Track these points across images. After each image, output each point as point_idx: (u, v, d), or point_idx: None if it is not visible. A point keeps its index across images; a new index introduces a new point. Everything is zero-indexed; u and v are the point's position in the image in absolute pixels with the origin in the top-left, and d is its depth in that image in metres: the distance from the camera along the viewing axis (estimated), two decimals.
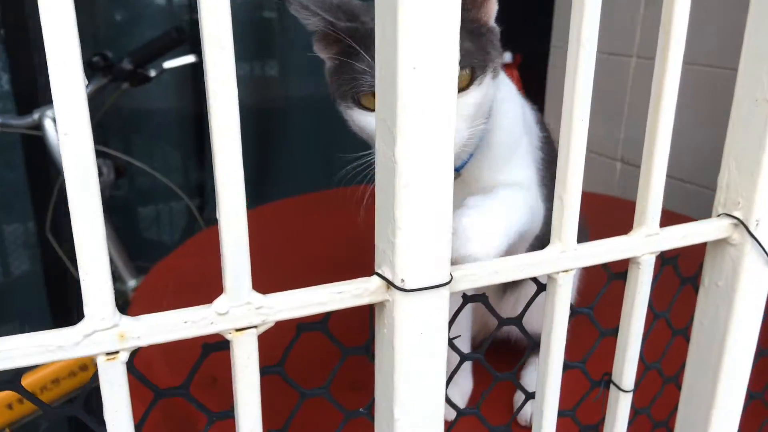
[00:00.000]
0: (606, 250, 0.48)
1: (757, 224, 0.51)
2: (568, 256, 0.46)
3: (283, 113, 2.13)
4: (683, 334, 0.58)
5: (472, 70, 0.61)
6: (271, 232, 1.36)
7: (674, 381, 0.60)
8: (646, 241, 0.49)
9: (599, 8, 0.42)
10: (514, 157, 0.71)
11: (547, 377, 0.50)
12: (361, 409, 0.46)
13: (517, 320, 0.50)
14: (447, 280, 0.41)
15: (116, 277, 1.60)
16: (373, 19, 0.42)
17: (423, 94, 0.36)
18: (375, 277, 0.41)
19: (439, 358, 0.43)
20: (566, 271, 0.47)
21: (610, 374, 0.54)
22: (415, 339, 0.41)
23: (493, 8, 0.65)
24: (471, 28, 0.62)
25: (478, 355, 0.50)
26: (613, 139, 1.90)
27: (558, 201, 0.45)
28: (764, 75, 0.49)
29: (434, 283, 0.41)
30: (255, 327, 0.38)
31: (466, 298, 0.48)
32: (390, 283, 0.40)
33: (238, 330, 0.38)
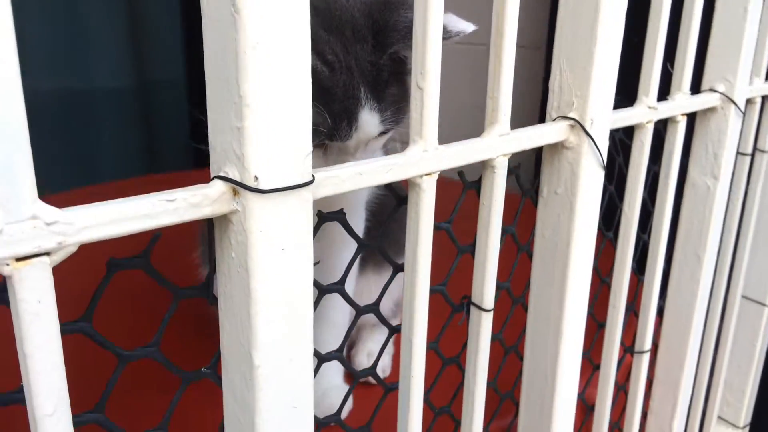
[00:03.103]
0: (466, 150, 0.43)
1: (591, 123, 0.50)
2: (431, 156, 0.40)
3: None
4: (526, 250, 0.56)
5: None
6: None
7: (521, 301, 0.58)
8: (499, 141, 0.45)
9: None
10: None
11: (414, 301, 0.43)
12: (203, 368, 0.36)
13: (379, 243, 0.43)
14: (310, 179, 0.33)
15: None
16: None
17: None
18: (217, 182, 0.31)
19: (306, 282, 0.34)
20: (429, 174, 0.41)
21: (468, 296, 0.50)
22: (276, 257, 0.32)
23: None
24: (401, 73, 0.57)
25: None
26: None
27: (417, 92, 0.39)
28: None
29: (296, 183, 0.32)
30: (47, 254, 0.26)
31: (322, 217, 0.40)
32: (239, 185, 0.31)
33: (20, 259, 0.25)
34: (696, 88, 0.72)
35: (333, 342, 0.69)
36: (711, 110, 0.72)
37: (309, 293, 0.34)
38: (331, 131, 0.53)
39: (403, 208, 0.43)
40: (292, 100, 0.31)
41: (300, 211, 0.33)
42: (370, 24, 0.55)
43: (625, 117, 0.58)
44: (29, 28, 1.72)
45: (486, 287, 0.49)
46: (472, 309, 0.49)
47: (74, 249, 0.27)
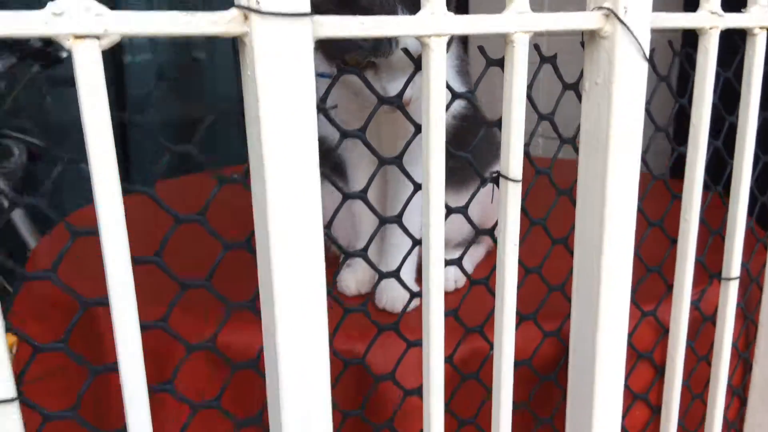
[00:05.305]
0: (478, 20, 0.48)
1: (625, 11, 0.52)
2: (439, 19, 0.46)
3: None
4: (571, 143, 0.58)
5: None
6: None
7: (568, 194, 0.60)
8: (518, 18, 0.49)
9: None
10: None
11: (429, 163, 0.48)
12: (234, 175, 0.44)
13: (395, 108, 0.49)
14: (306, 11, 0.40)
15: None
16: None
17: None
18: (233, 8, 0.40)
19: (308, 95, 0.41)
20: (439, 35, 0.46)
21: (498, 171, 0.54)
22: (278, 70, 0.40)
23: None
24: None
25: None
26: None
27: None
28: None
29: (292, 11, 0.40)
30: (97, 38, 0.36)
31: (341, 70, 0.47)
32: (246, 9, 0.39)
33: (77, 37, 0.36)
34: None
35: (394, 263, 0.75)
36: None
37: (311, 106, 0.41)
38: (372, 48, 0.60)
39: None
40: None
41: (299, 37, 0.40)
42: None
43: (681, 17, 0.58)
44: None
45: (512, 159, 0.52)
46: (501, 181, 0.53)
47: (117, 38, 0.37)
